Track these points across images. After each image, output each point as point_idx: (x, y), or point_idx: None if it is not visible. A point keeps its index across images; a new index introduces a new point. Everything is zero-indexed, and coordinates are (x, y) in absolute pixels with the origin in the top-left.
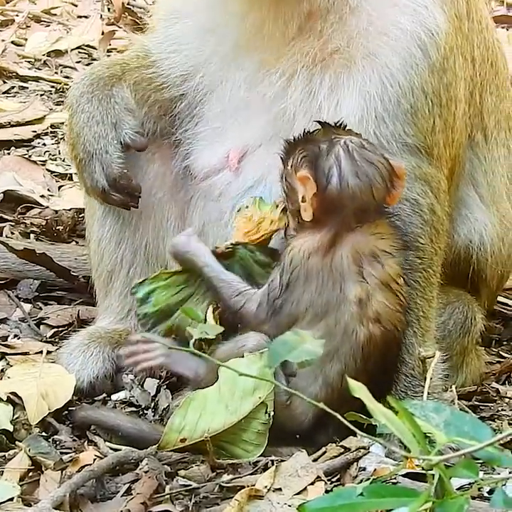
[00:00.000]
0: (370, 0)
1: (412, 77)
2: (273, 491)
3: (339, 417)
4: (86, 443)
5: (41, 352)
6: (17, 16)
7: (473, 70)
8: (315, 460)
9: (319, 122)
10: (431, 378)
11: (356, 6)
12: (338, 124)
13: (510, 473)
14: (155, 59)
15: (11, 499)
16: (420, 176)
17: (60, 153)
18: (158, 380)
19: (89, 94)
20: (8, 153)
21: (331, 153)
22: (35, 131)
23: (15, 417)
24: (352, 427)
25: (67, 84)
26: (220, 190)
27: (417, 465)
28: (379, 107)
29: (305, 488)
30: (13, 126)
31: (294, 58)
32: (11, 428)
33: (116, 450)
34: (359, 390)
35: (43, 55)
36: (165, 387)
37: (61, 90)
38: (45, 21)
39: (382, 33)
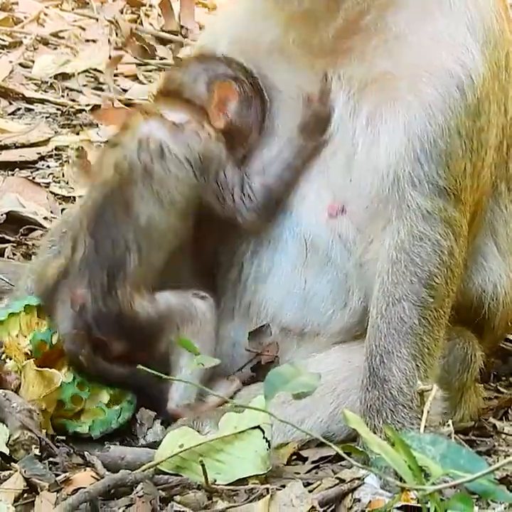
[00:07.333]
0: (412, 30)
1: (450, 118)
2: None
3: (335, 447)
4: (84, 465)
5: None
6: (25, 38)
7: (505, 119)
8: (310, 491)
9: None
10: (428, 412)
11: (399, 33)
12: None
13: (505, 508)
14: None
15: None
16: (445, 218)
17: (63, 176)
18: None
19: None
20: (13, 175)
21: None
22: (39, 153)
23: (15, 436)
24: (347, 458)
25: (73, 107)
26: None
27: (412, 498)
28: (418, 147)
29: None
30: (17, 147)
31: (335, 86)
32: (6, 451)
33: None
34: (354, 421)
35: (50, 77)
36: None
37: (67, 113)
38: (52, 44)
39: (426, 69)
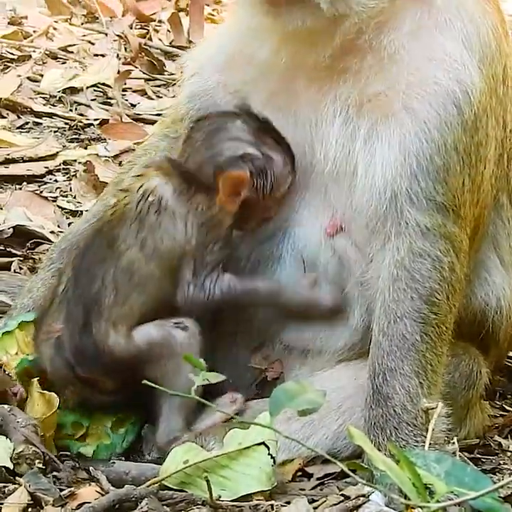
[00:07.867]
0: (407, 49)
1: (446, 134)
2: None
3: (340, 464)
4: (88, 480)
5: None
6: (34, 52)
7: (504, 133)
8: (315, 507)
9: None
10: (433, 429)
11: (394, 53)
12: None
13: None
14: None
15: None
16: (444, 234)
17: (71, 190)
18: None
19: None
20: (20, 189)
21: None
22: (47, 167)
23: (19, 450)
24: (352, 475)
25: (81, 122)
26: None
27: None
28: (414, 164)
29: None
30: (25, 161)
31: (331, 105)
32: (11, 465)
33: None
34: (359, 437)
35: (58, 91)
36: None
37: (75, 127)
38: (61, 58)
39: (420, 87)
